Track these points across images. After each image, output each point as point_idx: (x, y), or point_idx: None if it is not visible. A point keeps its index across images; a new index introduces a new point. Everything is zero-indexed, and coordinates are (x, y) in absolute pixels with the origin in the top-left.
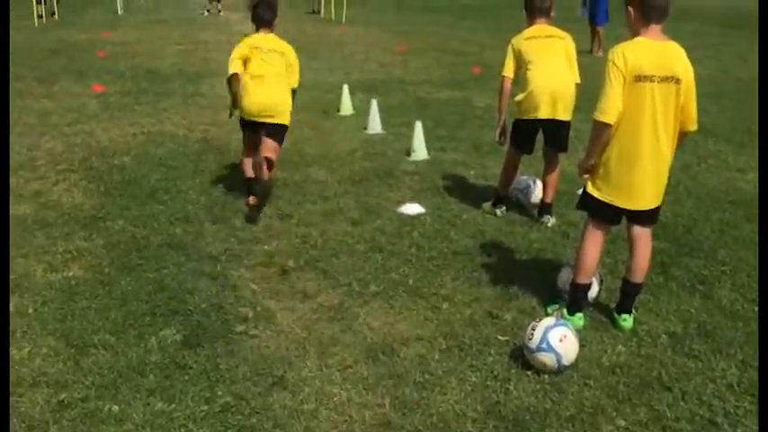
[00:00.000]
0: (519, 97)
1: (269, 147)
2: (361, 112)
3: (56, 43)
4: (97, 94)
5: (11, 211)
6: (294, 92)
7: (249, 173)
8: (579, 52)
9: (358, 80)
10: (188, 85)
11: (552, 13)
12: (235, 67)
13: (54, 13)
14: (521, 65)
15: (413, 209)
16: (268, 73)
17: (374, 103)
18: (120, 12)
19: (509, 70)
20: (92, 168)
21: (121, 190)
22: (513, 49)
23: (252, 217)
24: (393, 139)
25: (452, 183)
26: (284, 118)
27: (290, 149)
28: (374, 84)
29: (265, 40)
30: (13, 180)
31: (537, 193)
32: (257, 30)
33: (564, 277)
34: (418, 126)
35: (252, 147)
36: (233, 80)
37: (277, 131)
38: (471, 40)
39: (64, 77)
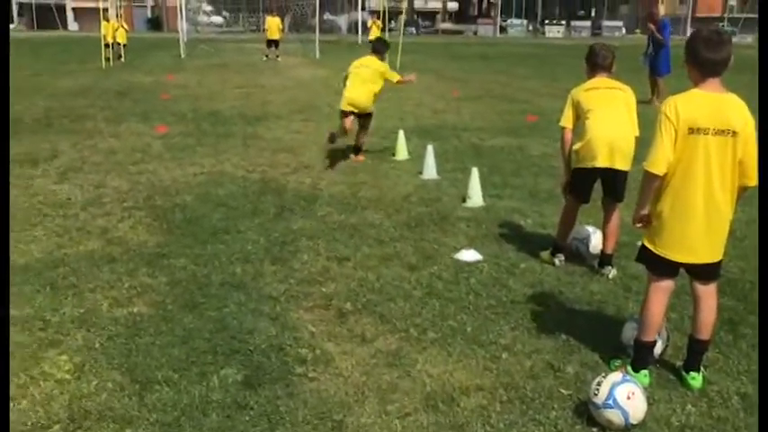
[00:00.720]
0: (577, 146)
1: None
2: (416, 157)
3: (122, 85)
4: (161, 134)
5: (80, 247)
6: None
7: None
8: (639, 102)
9: (412, 126)
10: (247, 128)
11: (613, 69)
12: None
13: (121, 56)
14: (580, 115)
15: (470, 255)
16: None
17: (430, 149)
18: (182, 56)
19: (568, 121)
20: (155, 206)
21: (184, 228)
22: (573, 100)
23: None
24: (448, 184)
25: (509, 230)
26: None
27: (345, 192)
28: (428, 129)
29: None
30: (81, 216)
31: (596, 243)
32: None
33: (628, 332)
34: (474, 173)
35: None
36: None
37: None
38: (525, 87)
39: (130, 118)
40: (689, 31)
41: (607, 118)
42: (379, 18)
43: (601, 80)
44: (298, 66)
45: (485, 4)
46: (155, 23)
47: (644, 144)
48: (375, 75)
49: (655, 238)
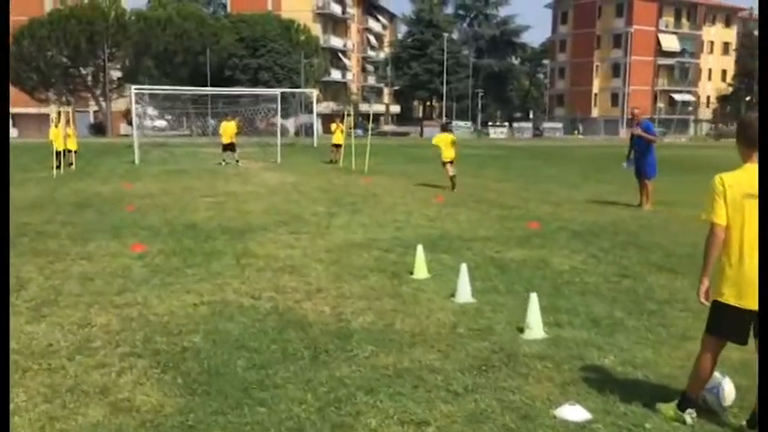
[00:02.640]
0: (729, 271)
1: None
2: (437, 275)
3: (79, 195)
4: (139, 254)
5: (79, 418)
6: None
7: None
8: (627, 206)
9: (412, 237)
10: (235, 243)
11: None
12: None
13: (71, 164)
14: (728, 220)
15: (576, 413)
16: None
17: (463, 269)
18: (137, 162)
19: (721, 216)
20: (159, 352)
21: (206, 384)
22: (722, 193)
23: None
24: (490, 309)
25: (596, 373)
26: None
27: (377, 324)
28: (433, 241)
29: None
30: (70, 369)
31: (729, 392)
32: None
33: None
34: (533, 300)
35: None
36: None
37: None
38: (504, 190)
39: (98, 234)
40: (621, 132)
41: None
42: (342, 122)
43: (753, 172)
44: (260, 171)
45: (427, 108)
46: (98, 128)
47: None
48: (450, 141)
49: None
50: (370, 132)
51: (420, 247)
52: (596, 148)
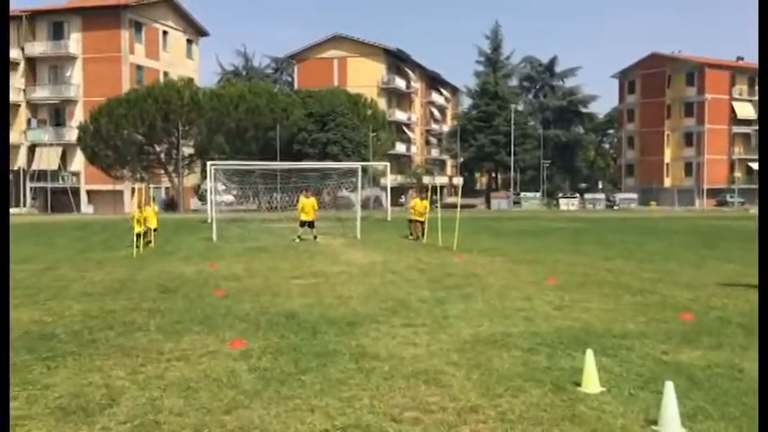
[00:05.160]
0: None
1: None
2: (615, 389)
3: (163, 278)
4: (240, 352)
5: None
6: None
7: None
8: None
9: (550, 331)
10: (347, 340)
11: None
12: None
13: (150, 242)
14: None
15: None
16: None
17: (669, 388)
18: (214, 239)
19: None
20: None
21: None
22: None
23: None
24: None
25: None
26: None
27: None
28: (577, 337)
29: None
30: None
31: None
32: None
33: None
34: None
35: None
36: None
37: None
38: (618, 270)
39: (190, 326)
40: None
41: None
42: (424, 195)
43: None
44: (343, 248)
45: (491, 180)
46: (170, 204)
47: None
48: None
49: None
50: (439, 206)
51: (590, 353)
52: (682, 219)
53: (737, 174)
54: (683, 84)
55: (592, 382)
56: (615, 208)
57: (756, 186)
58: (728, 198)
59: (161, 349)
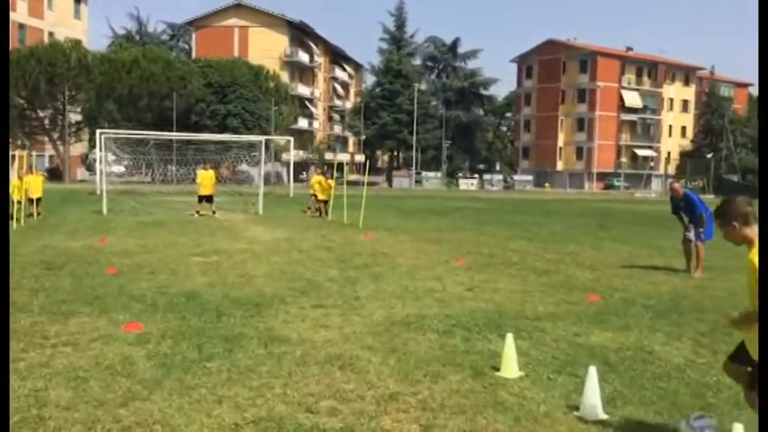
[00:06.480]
0: None
1: None
2: (533, 373)
3: (48, 253)
4: (136, 336)
5: None
6: None
7: None
8: (674, 272)
9: (464, 313)
10: (254, 322)
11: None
12: None
13: (37, 214)
14: None
15: None
16: None
17: (592, 373)
18: (104, 211)
19: None
20: None
21: None
22: None
23: None
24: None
25: None
26: None
27: None
28: (491, 319)
29: None
30: None
31: None
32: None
33: None
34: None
35: None
36: None
37: None
38: (522, 250)
39: (78, 307)
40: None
41: None
42: (328, 173)
43: None
44: (245, 224)
45: (393, 158)
46: (54, 173)
47: None
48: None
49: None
50: (345, 183)
51: (510, 337)
52: (576, 201)
53: (623, 159)
54: (576, 71)
55: (511, 367)
56: (511, 189)
57: (641, 172)
58: (615, 182)
59: (46, 333)
